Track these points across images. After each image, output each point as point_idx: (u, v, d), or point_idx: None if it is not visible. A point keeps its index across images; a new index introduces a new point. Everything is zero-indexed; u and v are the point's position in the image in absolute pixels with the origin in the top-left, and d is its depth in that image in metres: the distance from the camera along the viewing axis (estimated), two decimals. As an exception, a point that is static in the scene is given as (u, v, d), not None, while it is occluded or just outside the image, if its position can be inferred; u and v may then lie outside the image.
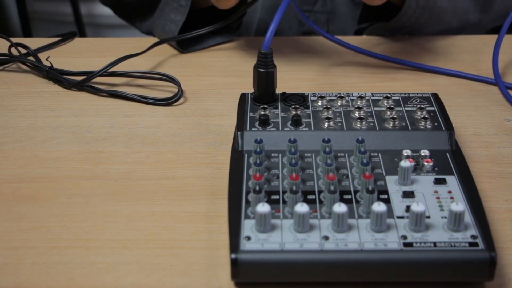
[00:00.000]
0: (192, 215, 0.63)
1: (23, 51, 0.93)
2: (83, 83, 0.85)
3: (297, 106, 0.72)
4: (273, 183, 0.62)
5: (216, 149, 0.74)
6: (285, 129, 0.69)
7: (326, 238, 0.55)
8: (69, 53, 0.98)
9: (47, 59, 0.90)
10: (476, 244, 0.54)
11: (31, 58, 0.92)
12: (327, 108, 0.71)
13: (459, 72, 0.90)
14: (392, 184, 0.61)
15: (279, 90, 0.75)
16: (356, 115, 0.71)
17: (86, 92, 0.86)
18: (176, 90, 0.84)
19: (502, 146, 0.74)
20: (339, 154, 0.66)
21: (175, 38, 0.93)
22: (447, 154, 0.66)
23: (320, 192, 0.60)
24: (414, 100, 0.74)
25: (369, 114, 0.71)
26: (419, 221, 0.55)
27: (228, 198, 0.60)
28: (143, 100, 0.83)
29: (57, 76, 0.87)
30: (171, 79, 0.86)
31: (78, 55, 0.98)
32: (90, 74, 0.85)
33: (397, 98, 0.74)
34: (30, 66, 0.91)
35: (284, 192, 0.60)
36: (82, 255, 0.58)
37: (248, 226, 0.56)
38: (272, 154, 0.66)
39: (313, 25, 0.88)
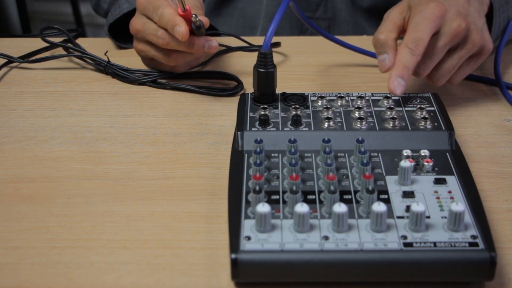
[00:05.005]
0: (192, 215, 0.63)
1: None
2: (146, 80, 0.87)
3: (297, 106, 0.72)
4: (273, 183, 0.62)
5: (216, 149, 0.74)
6: (285, 129, 0.69)
7: (326, 238, 0.55)
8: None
9: (105, 54, 0.91)
10: (476, 244, 0.54)
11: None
12: (327, 108, 0.71)
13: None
14: (392, 184, 0.61)
15: (279, 90, 0.75)
16: (356, 115, 0.71)
17: (147, 87, 0.88)
18: (234, 83, 0.87)
19: (502, 146, 0.74)
20: (339, 154, 0.66)
21: None
22: (447, 154, 0.66)
23: (320, 192, 0.60)
24: (414, 100, 0.74)
25: (369, 114, 0.71)
26: (419, 221, 0.55)
27: (228, 198, 0.60)
28: (206, 92, 0.85)
29: (117, 71, 0.89)
30: (229, 76, 0.88)
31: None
32: (156, 74, 0.88)
33: (397, 98, 0.74)
34: (87, 60, 0.93)
35: (284, 192, 0.60)
36: (82, 255, 0.58)
37: (248, 226, 0.56)
38: (272, 154, 0.66)
39: (313, 25, 0.88)
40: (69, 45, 0.95)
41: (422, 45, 0.71)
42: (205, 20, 0.81)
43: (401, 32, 0.76)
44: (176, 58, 0.84)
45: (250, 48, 0.97)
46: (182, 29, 0.77)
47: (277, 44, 0.99)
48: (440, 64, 0.76)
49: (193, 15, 0.78)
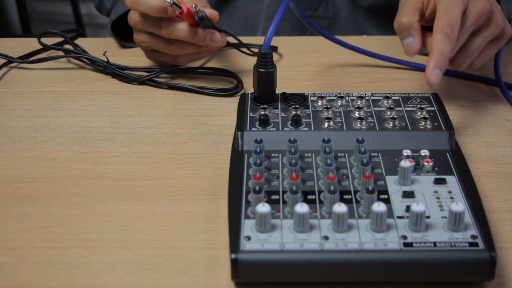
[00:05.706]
0: (192, 215, 0.63)
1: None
2: (145, 78, 0.87)
3: (297, 106, 0.72)
4: (273, 183, 0.62)
5: (216, 149, 0.74)
6: (285, 129, 0.69)
7: (326, 238, 0.55)
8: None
9: (104, 54, 0.91)
10: (476, 244, 0.54)
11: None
12: (327, 108, 0.71)
13: (459, 72, 0.90)
14: (392, 184, 0.61)
15: (279, 90, 0.75)
16: (356, 115, 0.71)
17: (146, 86, 0.88)
18: (234, 83, 0.87)
19: (502, 146, 0.74)
20: (339, 154, 0.66)
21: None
22: (447, 154, 0.66)
23: (320, 192, 0.60)
24: (414, 100, 0.74)
25: (369, 114, 0.71)
26: (419, 221, 0.55)
27: (228, 198, 0.60)
28: (206, 91, 0.85)
29: (116, 71, 0.89)
30: (229, 74, 0.88)
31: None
32: (157, 70, 0.88)
33: (397, 98, 0.74)
34: (85, 61, 0.93)
35: (284, 192, 0.60)
36: (82, 255, 0.58)
37: (248, 226, 0.56)
38: (272, 154, 0.66)
39: (313, 25, 0.88)
40: (69, 46, 0.95)
41: (457, 29, 0.71)
42: (213, 13, 0.81)
43: (422, 16, 0.76)
44: (177, 47, 0.83)
45: (241, 46, 0.96)
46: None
47: (275, 48, 0.98)
48: (464, 46, 0.76)
49: (193, 5, 0.77)
